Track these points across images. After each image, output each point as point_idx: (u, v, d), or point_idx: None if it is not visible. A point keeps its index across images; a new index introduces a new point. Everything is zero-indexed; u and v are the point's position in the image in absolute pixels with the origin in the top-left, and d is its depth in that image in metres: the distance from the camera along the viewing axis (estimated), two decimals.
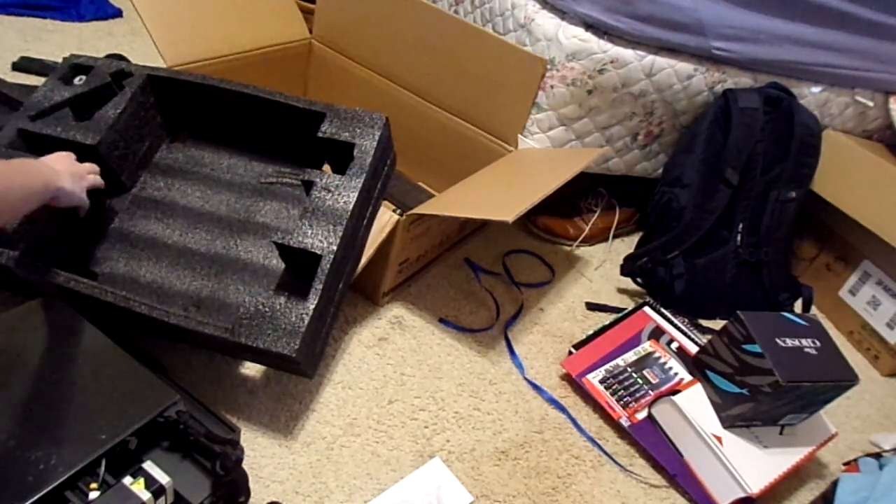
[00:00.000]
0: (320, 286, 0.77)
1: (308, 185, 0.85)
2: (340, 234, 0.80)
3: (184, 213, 0.95)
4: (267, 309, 0.75)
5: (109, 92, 0.93)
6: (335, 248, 0.79)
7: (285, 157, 1.00)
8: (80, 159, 0.83)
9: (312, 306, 0.75)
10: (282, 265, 0.88)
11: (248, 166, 1.00)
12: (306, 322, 0.74)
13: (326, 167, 0.94)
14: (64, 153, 0.80)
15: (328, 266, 0.78)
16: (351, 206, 0.82)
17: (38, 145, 0.88)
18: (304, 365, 0.77)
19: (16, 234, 0.77)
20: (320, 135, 0.88)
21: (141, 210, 0.94)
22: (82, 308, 0.76)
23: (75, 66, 0.95)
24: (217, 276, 0.89)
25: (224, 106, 0.96)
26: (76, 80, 0.94)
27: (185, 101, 0.97)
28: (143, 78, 0.95)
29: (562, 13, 1.08)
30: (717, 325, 1.16)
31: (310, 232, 0.80)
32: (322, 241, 0.79)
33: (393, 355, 0.97)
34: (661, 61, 1.08)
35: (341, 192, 0.83)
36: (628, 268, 1.18)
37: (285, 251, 0.81)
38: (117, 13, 1.67)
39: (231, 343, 0.74)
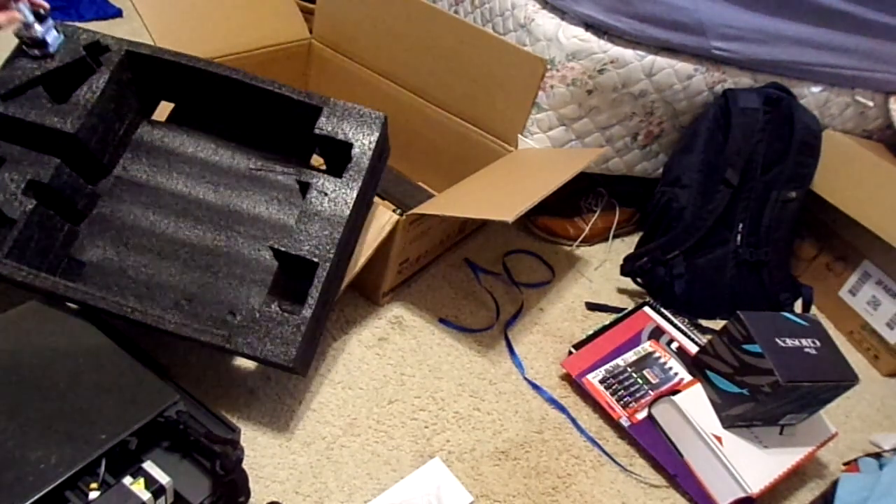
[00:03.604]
0: (317, 294, 0.76)
1: (304, 187, 0.84)
2: (338, 240, 0.79)
3: (170, 201, 0.93)
4: (263, 317, 0.75)
5: (85, 67, 0.88)
6: (332, 255, 0.78)
7: (274, 146, 0.97)
8: (58, 146, 0.81)
9: (309, 315, 0.75)
10: (273, 258, 0.87)
11: (234, 153, 0.97)
12: (303, 331, 0.74)
13: (316, 158, 0.93)
14: None
15: (325, 274, 0.77)
16: (349, 212, 0.81)
17: (13, 131, 0.84)
18: (297, 367, 0.78)
19: None
20: (317, 131, 0.86)
21: (124, 194, 0.92)
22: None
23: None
24: (207, 269, 0.88)
25: (213, 90, 0.93)
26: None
27: (170, 80, 0.93)
28: (122, 55, 0.90)
29: (562, 13, 1.08)
30: (717, 325, 1.16)
31: (307, 238, 0.79)
32: (319, 247, 0.79)
33: (393, 355, 0.97)
34: (661, 61, 1.08)
35: (339, 196, 0.82)
36: (628, 268, 1.18)
37: (282, 257, 0.81)
38: (117, 13, 1.67)
39: (227, 350, 0.74)
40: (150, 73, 0.93)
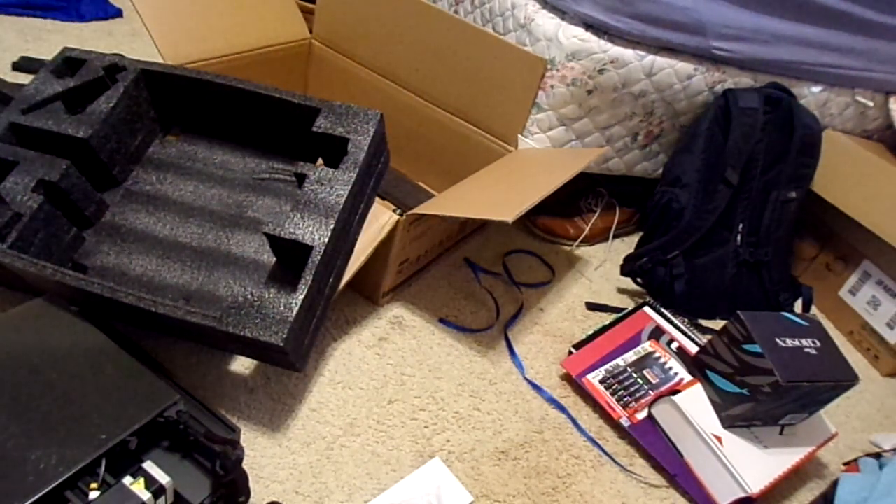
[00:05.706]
0: (310, 277, 0.77)
1: (301, 178, 0.85)
2: (332, 226, 0.80)
3: (175, 208, 0.95)
4: (255, 299, 0.75)
5: (102, 86, 0.93)
6: (326, 240, 0.79)
7: (279, 152, 1.00)
8: (71, 152, 0.82)
9: (301, 296, 0.75)
10: (273, 260, 0.88)
11: (241, 161, 1.00)
12: (294, 311, 0.74)
13: (320, 162, 0.94)
14: None
15: (318, 258, 0.78)
16: (343, 200, 0.82)
17: (29, 138, 0.88)
18: (293, 356, 0.77)
19: (5, 227, 0.77)
20: (315, 129, 0.88)
21: (132, 204, 0.94)
22: (71, 301, 0.76)
23: (68, 60, 0.95)
24: (207, 270, 0.89)
25: (219, 101, 0.96)
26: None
27: (180, 95, 0.97)
28: (137, 72, 0.95)
29: (562, 13, 1.08)
30: (717, 325, 1.16)
31: (301, 223, 0.80)
32: (313, 232, 0.79)
33: (393, 355, 0.97)
34: (661, 61, 1.08)
35: (334, 185, 0.83)
36: (628, 268, 1.18)
37: (276, 242, 0.81)
38: (117, 13, 1.67)
39: (219, 332, 0.74)
40: (163, 89, 0.97)
